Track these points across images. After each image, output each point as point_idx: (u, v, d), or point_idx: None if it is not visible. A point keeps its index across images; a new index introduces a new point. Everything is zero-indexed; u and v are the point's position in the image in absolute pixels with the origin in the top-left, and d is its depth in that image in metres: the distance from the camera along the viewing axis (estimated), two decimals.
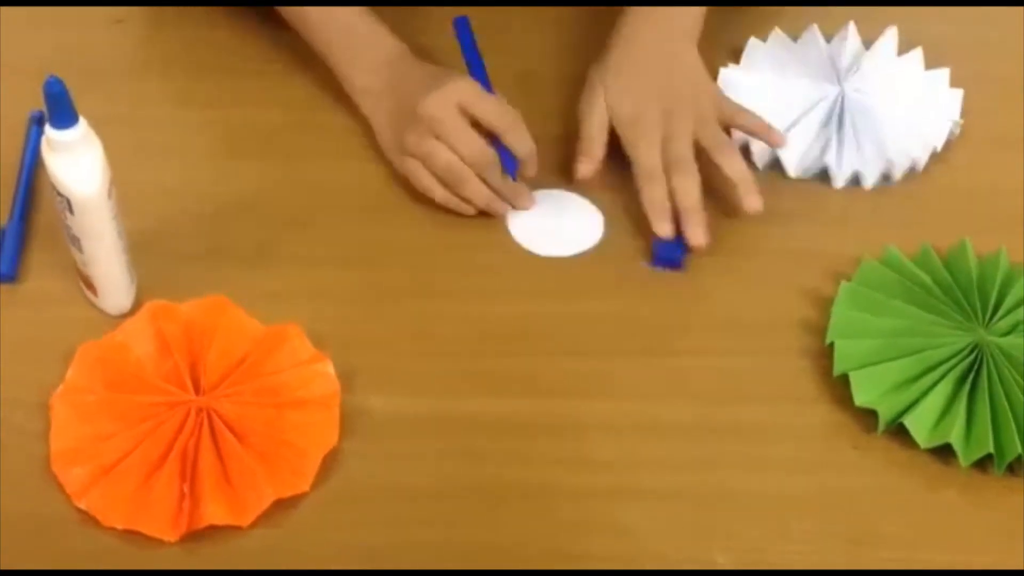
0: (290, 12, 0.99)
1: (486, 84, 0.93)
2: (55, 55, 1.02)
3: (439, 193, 0.91)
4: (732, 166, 0.92)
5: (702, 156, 0.92)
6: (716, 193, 0.94)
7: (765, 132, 0.95)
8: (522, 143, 0.91)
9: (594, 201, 0.95)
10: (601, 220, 0.94)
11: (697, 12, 0.99)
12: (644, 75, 0.96)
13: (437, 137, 0.89)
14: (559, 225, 0.93)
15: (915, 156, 0.97)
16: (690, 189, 0.90)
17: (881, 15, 1.07)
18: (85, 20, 1.05)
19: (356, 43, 0.97)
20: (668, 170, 0.91)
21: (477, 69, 0.93)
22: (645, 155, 0.92)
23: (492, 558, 0.76)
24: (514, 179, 0.92)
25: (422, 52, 0.98)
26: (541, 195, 0.94)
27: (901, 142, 0.98)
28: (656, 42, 0.97)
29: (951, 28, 1.09)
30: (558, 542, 0.77)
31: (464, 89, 0.90)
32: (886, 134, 0.98)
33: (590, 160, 0.93)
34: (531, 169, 0.92)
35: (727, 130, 0.95)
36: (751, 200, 0.91)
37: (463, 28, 0.94)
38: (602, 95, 0.95)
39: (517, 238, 0.93)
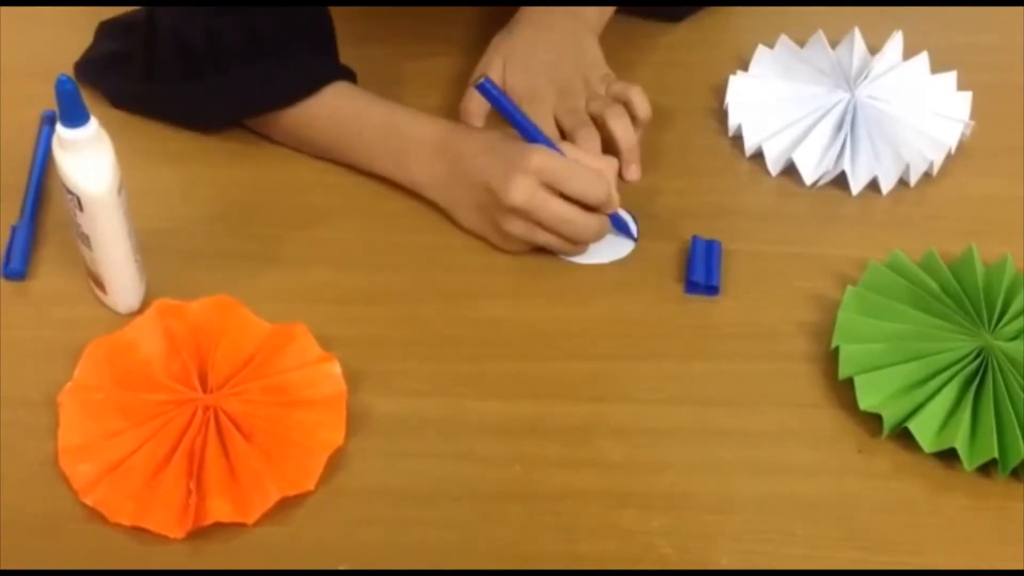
0: (311, 129, 0.96)
1: (535, 134, 0.89)
2: (64, 58, 1.03)
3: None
4: (622, 132, 0.96)
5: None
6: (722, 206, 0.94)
7: (639, 102, 0.97)
8: (613, 204, 0.90)
9: (627, 209, 0.95)
10: (636, 229, 0.94)
11: (604, 10, 1.05)
12: (543, 58, 0.99)
13: (539, 224, 0.88)
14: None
15: (931, 158, 0.98)
16: (592, 148, 0.94)
17: (882, 21, 1.07)
18: (95, 22, 1.06)
19: (398, 141, 0.94)
20: (572, 134, 0.95)
21: (522, 126, 0.90)
22: (539, 122, 0.93)
23: (496, 560, 0.76)
24: (624, 229, 0.93)
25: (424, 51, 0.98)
26: None
27: (916, 145, 0.98)
28: (562, 29, 1.01)
29: (954, 33, 1.10)
30: (563, 544, 0.77)
31: (540, 166, 0.87)
32: (901, 138, 0.98)
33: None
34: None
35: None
36: (631, 170, 0.96)
37: (489, 90, 0.89)
38: (500, 70, 0.99)
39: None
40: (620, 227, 0.93)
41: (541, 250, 0.92)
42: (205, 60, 0.95)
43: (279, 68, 0.95)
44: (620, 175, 0.95)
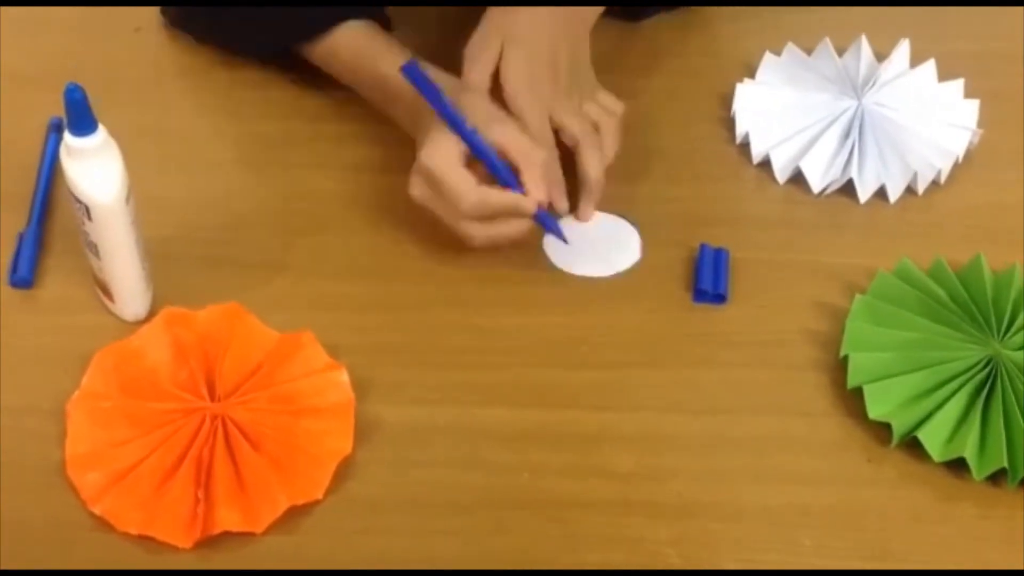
0: (326, 67, 0.98)
1: (458, 124, 0.86)
2: (73, 64, 1.03)
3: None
4: (591, 168, 0.91)
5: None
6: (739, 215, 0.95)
7: (611, 143, 0.93)
8: (518, 207, 0.86)
9: (631, 221, 0.95)
10: (639, 241, 0.94)
11: (599, 10, 0.99)
12: (544, 44, 0.91)
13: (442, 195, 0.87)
14: (595, 245, 0.93)
15: (938, 166, 0.97)
16: (597, 159, 0.91)
17: (889, 28, 1.07)
18: (102, 29, 1.06)
19: (387, 96, 0.95)
20: (576, 144, 0.91)
21: (445, 113, 0.86)
22: (537, 123, 0.89)
23: (504, 568, 0.76)
24: (553, 230, 0.90)
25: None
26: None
27: (924, 153, 0.98)
28: (560, 18, 0.93)
29: (961, 41, 1.09)
30: (570, 553, 0.77)
31: (428, 168, 0.86)
32: (908, 146, 0.98)
33: None
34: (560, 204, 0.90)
35: None
36: (585, 211, 0.92)
37: (414, 75, 0.87)
38: (498, 48, 0.90)
39: (552, 258, 0.92)
40: (547, 226, 0.89)
41: (547, 258, 0.92)
42: None
43: (294, 7, 0.97)
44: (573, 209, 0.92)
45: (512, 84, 0.89)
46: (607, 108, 0.94)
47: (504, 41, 0.91)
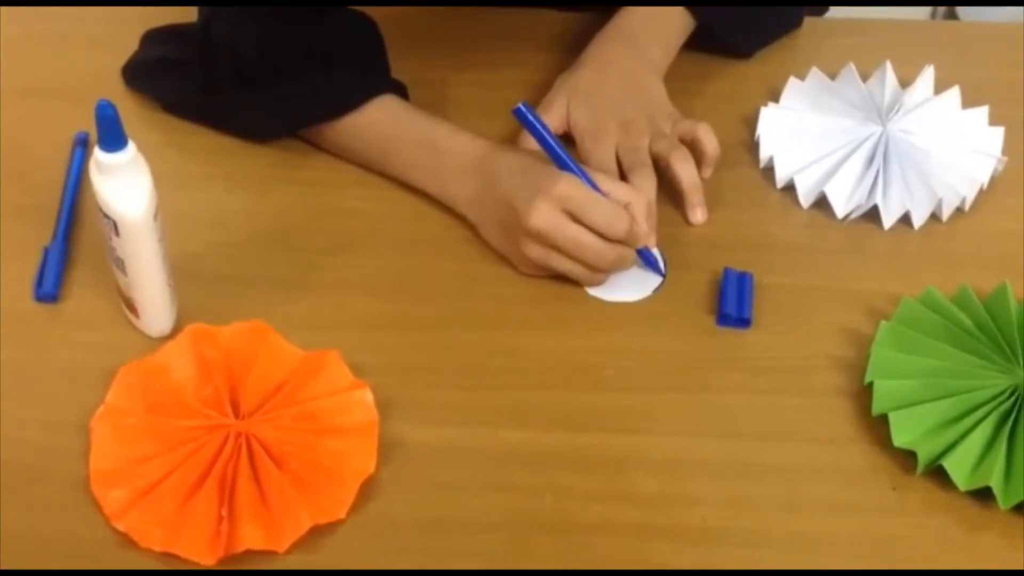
0: (355, 141, 0.97)
1: (567, 162, 0.89)
2: (96, 79, 1.03)
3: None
4: (686, 174, 0.96)
5: (659, 166, 0.97)
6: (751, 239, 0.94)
7: (707, 139, 0.98)
8: (638, 239, 0.90)
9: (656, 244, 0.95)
10: (662, 264, 0.94)
11: (667, 48, 1.05)
12: (608, 95, 1.00)
13: (557, 250, 0.89)
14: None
15: (963, 194, 0.97)
16: (647, 188, 0.94)
17: (914, 55, 1.06)
18: (126, 46, 1.06)
19: (435, 155, 0.95)
20: (628, 173, 0.95)
21: (555, 153, 0.89)
22: (600, 157, 0.97)
23: None
24: (652, 264, 0.93)
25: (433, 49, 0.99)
26: None
27: (949, 180, 0.98)
28: (625, 69, 1.02)
29: (985, 68, 1.09)
30: None
31: (564, 194, 0.87)
32: (934, 173, 0.98)
33: None
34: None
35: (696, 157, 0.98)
36: (695, 213, 0.97)
37: (524, 114, 0.89)
38: (564, 106, 1.00)
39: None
40: (648, 261, 0.93)
41: (571, 280, 0.92)
42: (256, 72, 0.96)
43: (325, 82, 0.97)
44: (686, 218, 0.97)
45: (578, 133, 0.99)
46: (686, 132, 0.99)
47: (569, 99, 1.00)
